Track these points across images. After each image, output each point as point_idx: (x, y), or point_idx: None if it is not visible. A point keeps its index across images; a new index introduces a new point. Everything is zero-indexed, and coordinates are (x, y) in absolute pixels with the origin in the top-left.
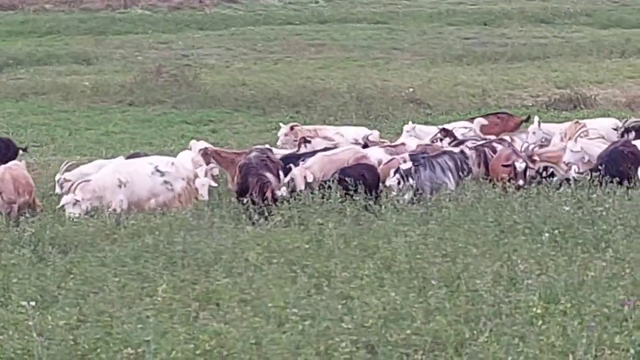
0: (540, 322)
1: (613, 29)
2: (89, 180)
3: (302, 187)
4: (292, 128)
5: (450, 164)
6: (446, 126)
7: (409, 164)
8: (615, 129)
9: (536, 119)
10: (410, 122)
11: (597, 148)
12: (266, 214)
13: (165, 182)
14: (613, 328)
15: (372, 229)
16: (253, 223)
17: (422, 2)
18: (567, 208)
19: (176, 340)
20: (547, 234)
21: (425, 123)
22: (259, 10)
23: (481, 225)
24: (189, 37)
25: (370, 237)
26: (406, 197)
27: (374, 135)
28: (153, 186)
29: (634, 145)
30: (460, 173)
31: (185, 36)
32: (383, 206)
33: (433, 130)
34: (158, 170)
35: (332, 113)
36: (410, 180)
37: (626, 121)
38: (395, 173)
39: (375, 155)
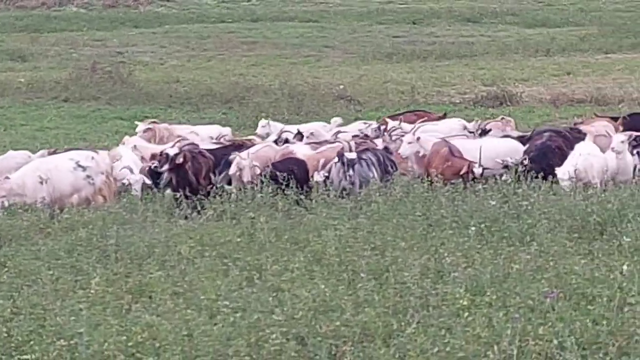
0: (467, 313)
1: (538, 28)
2: (7, 178)
3: (250, 178)
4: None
5: (374, 159)
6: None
7: (354, 154)
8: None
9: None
10: (262, 119)
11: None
12: (199, 208)
13: (87, 176)
14: (537, 319)
15: (303, 223)
16: (186, 217)
17: (353, 1)
18: (493, 202)
19: (109, 332)
20: (473, 228)
21: (356, 119)
22: (192, 9)
23: (409, 219)
24: (123, 35)
25: (301, 230)
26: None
27: (227, 132)
28: (75, 181)
29: (560, 140)
30: (389, 168)
31: (119, 34)
32: (314, 200)
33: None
34: (80, 166)
35: (264, 109)
36: (351, 171)
37: (480, 123)
38: (338, 161)
39: (302, 151)
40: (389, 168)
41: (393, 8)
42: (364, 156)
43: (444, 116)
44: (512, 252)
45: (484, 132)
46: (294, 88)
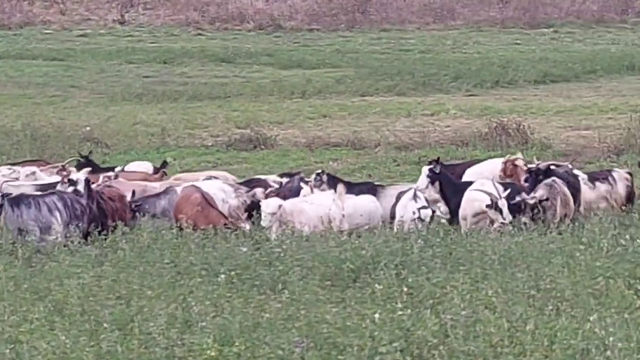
0: None
1: (294, 69)
2: None
3: None
4: None
5: (59, 204)
6: None
7: None
8: None
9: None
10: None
11: None
12: None
13: None
14: None
15: (44, 271)
16: None
17: (101, 39)
18: (245, 249)
19: None
20: (223, 276)
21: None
22: None
23: (157, 267)
24: None
25: (42, 279)
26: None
27: None
28: None
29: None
30: (77, 212)
31: None
32: (56, 248)
33: None
34: None
35: (5, 152)
36: None
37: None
38: None
39: None
40: (78, 212)
41: (143, 47)
42: (46, 199)
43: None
44: (263, 300)
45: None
46: (38, 129)
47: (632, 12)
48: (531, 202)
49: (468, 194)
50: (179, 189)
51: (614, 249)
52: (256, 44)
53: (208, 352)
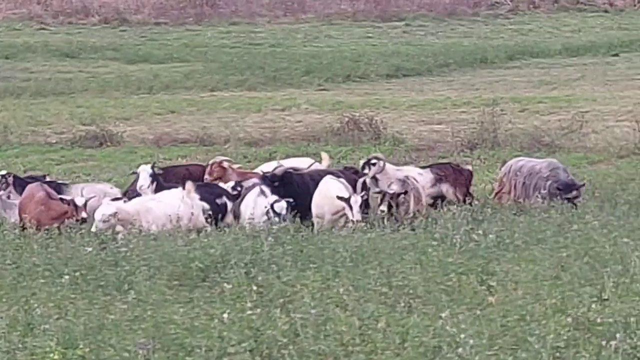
0: None
1: (141, 64)
2: None
3: None
4: None
5: None
6: None
7: None
8: None
9: None
10: None
11: None
12: None
13: None
14: None
15: None
16: None
17: None
18: (90, 249)
19: None
20: (67, 277)
21: None
22: None
23: None
24: None
25: None
26: None
27: None
28: None
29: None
30: None
31: None
32: None
33: None
34: None
35: None
36: None
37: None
38: None
39: None
40: None
41: None
42: None
43: None
44: (108, 301)
45: None
46: None
47: (484, 5)
48: (391, 192)
49: (325, 192)
50: None
51: (466, 245)
52: (101, 38)
53: (51, 355)
